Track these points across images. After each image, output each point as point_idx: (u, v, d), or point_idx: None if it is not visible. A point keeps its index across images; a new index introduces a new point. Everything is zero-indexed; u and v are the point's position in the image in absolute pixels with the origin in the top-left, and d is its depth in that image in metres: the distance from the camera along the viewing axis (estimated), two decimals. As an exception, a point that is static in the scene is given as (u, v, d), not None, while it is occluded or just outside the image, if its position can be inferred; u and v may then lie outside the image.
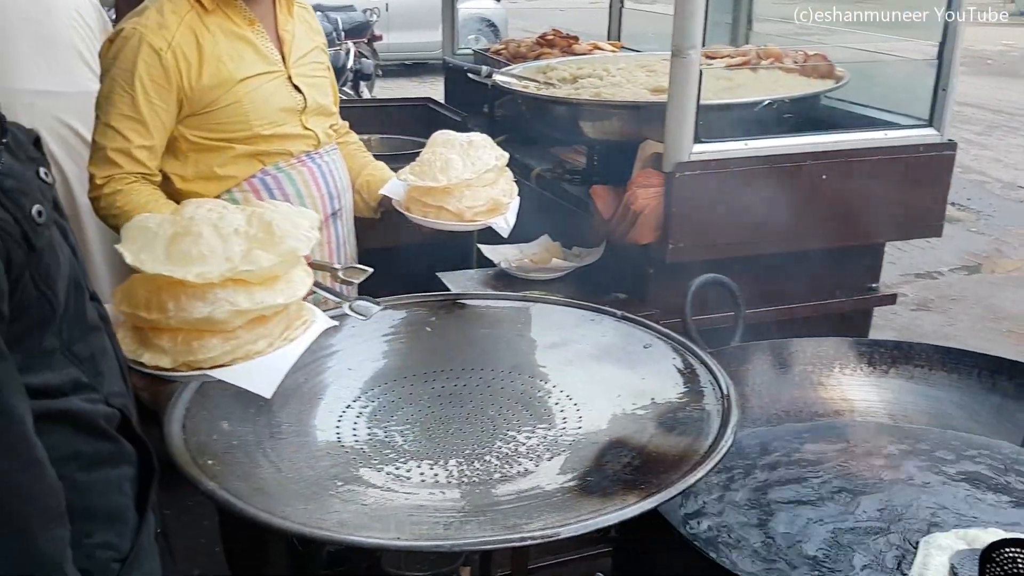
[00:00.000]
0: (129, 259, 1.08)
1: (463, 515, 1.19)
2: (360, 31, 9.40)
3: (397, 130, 3.41)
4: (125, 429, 0.95)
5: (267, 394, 1.12)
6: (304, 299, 1.24)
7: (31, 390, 0.82)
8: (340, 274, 1.71)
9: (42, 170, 0.87)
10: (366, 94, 8.71)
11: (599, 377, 1.56)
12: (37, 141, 0.92)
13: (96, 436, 0.90)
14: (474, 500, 1.25)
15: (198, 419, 1.33)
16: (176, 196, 1.83)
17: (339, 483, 1.26)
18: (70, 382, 0.88)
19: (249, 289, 1.09)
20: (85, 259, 1.08)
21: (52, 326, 0.85)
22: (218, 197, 1.85)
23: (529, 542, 1.13)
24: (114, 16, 2.89)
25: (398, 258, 2.12)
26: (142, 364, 1.09)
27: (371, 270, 1.68)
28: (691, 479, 1.20)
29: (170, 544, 1.09)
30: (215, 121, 1.82)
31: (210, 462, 1.24)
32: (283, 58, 1.90)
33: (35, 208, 0.81)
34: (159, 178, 1.83)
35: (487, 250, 2.54)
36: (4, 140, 0.81)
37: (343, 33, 8.90)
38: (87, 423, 0.89)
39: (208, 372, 1.10)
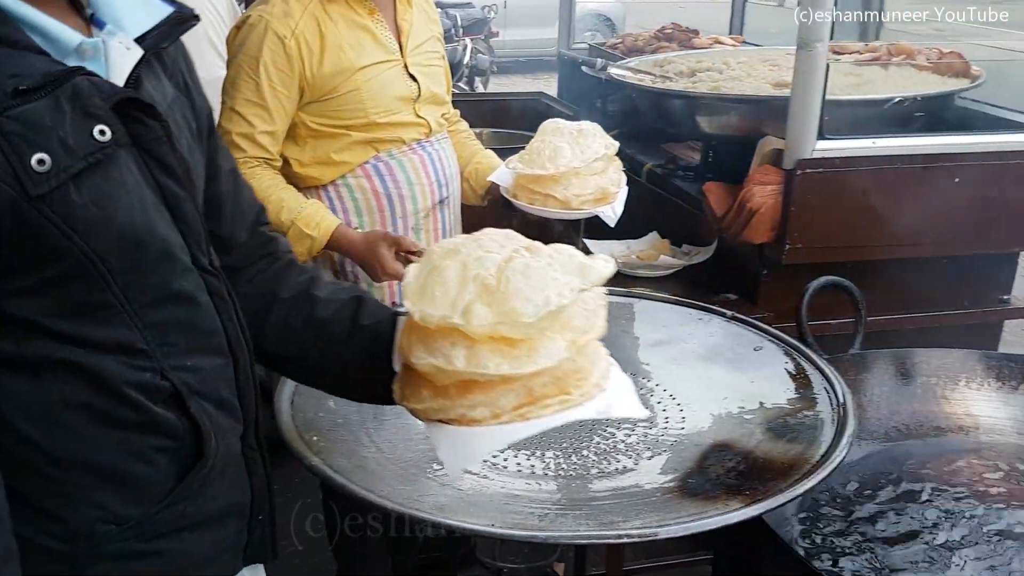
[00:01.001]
0: (404, 280, 0.97)
1: (559, 508, 1.18)
2: (478, 28, 9.52)
3: (509, 124, 3.40)
4: (177, 404, 0.93)
5: (450, 472, 0.98)
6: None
7: (57, 333, 0.84)
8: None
9: (98, 128, 0.83)
10: (480, 89, 8.80)
11: (705, 377, 1.51)
12: (130, 102, 0.86)
13: (114, 399, 0.88)
14: (570, 494, 1.23)
15: (306, 396, 1.36)
16: (294, 180, 1.89)
17: (436, 466, 1.27)
18: (117, 343, 0.87)
19: (474, 347, 0.88)
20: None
21: (98, 282, 0.85)
22: (333, 182, 1.90)
23: (626, 540, 1.11)
24: (243, 6, 3.01)
25: (504, 248, 2.12)
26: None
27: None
28: (800, 488, 1.14)
29: (274, 518, 1.10)
30: (333, 108, 1.86)
31: (315, 438, 1.27)
32: (400, 47, 1.93)
33: (36, 157, 0.78)
34: (279, 163, 1.88)
35: (593, 245, 2.51)
36: (50, 90, 0.79)
37: (461, 30, 9.02)
38: (106, 384, 0.87)
39: (423, 420, 0.96)
